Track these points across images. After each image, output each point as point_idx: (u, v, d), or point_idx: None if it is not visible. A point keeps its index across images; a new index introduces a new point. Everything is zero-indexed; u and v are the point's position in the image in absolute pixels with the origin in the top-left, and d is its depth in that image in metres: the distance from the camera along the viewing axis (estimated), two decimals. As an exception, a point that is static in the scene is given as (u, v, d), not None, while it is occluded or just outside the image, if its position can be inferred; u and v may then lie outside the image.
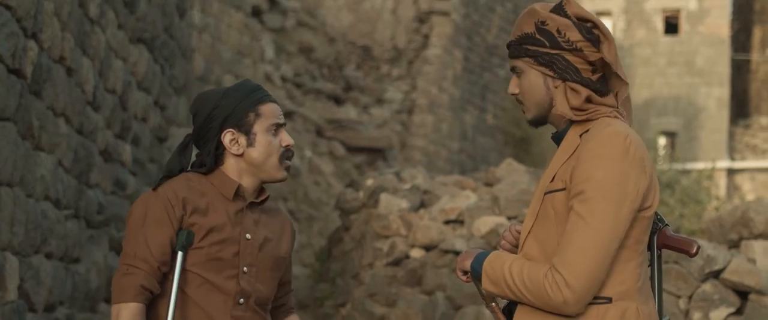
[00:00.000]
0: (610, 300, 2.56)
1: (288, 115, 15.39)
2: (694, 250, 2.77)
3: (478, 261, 2.72)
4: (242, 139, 3.07)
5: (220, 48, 12.87)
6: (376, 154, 17.08)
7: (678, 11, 33.88)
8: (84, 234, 6.72)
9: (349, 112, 17.39)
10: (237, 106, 3.06)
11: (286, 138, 3.11)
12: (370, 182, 9.21)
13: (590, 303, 2.54)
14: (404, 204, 8.47)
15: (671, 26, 34.19)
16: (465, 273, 2.81)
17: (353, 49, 19.25)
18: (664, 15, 34.15)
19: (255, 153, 3.07)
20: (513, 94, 2.77)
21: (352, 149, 16.85)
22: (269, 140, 3.08)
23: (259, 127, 3.07)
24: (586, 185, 2.51)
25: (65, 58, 5.86)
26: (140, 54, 8.19)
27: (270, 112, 3.09)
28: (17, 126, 4.98)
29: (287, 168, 3.13)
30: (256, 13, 15.41)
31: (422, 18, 19.73)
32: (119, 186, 7.78)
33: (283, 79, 16.41)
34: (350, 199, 9.36)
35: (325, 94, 17.43)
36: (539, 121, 2.76)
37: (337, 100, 17.76)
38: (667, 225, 2.80)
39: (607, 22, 34.64)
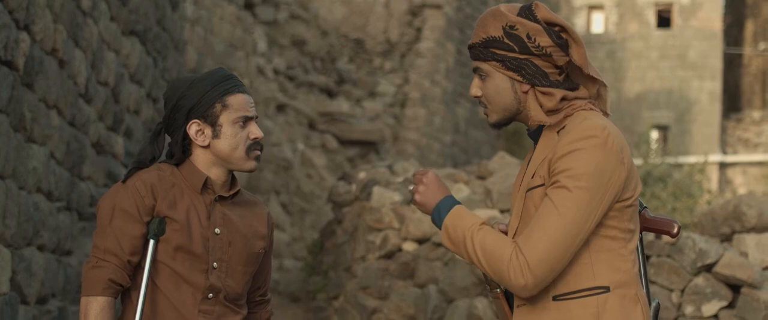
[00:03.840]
0: (607, 288, 2.56)
1: (280, 107, 15.36)
2: (675, 230, 2.78)
3: (439, 211, 2.68)
4: (208, 131, 3.01)
5: (213, 40, 12.85)
6: (368, 147, 17.08)
7: (670, 5, 33.89)
8: (76, 227, 6.71)
9: (341, 105, 17.37)
10: (203, 97, 2.99)
11: (254, 130, 3.04)
12: (362, 175, 9.21)
13: (588, 295, 2.55)
14: (397, 197, 8.47)
15: (664, 20, 34.21)
16: (421, 207, 2.75)
17: (346, 42, 19.23)
18: (657, 8, 34.16)
19: (221, 144, 3.01)
20: (475, 97, 2.73)
21: (345, 142, 16.84)
22: (236, 132, 3.01)
23: (225, 119, 3.00)
24: (562, 175, 2.52)
25: (57, 50, 5.85)
26: (133, 46, 8.17)
27: (238, 103, 3.02)
28: (9, 118, 4.97)
29: (256, 158, 3.06)
30: (249, 5, 15.38)
31: (415, 11, 19.73)
32: (111, 178, 7.76)
33: (276, 71, 16.39)
34: (343, 192, 9.36)
35: (317, 87, 17.41)
36: (503, 124, 2.73)
37: (330, 93, 17.75)
38: (645, 208, 2.82)
39: (599, 16, 34.65)
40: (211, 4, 12.72)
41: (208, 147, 3.03)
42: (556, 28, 2.63)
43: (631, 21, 34.18)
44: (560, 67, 2.65)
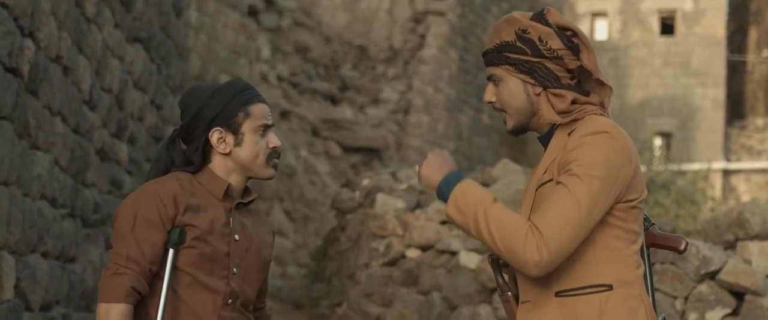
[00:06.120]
0: (610, 287, 2.59)
1: (284, 114, 15.37)
2: (683, 247, 2.82)
3: (448, 182, 2.67)
4: (230, 138, 3.07)
5: (217, 47, 12.86)
6: (372, 153, 17.08)
7: (674, 12, 33.90)
8: (80, 234, 6.71)
9: (345, 111, 17.38)
10: (226, 106, 3.06)
11: (273, 139, 3.11)
12: (366, 182, 9.21)
13: (591, 292, 2.58)
14: (400, 204, 8.47)
15: (667, 27, 34.21)
16: (428, 184, 2.74)
17: (349, 48, 19.24)
18: (660, 16, 34.17)
19: (242, 153, 3.07)
20: (489, 103, 2.77)
21: (348, 149, 16.84)
22: (256, 140, 3.08)
23: (247, 127, 3.07)
24: (573, 164, 2.56)
25: (62, 56, 5.86)
26: (137, 53, 8.18)
27: (259, 112, 3.09)
28: (14, 125, 4.98)
29: (275, 167, 3.14)
30: (253, 12, 15.40)
31: (418, 18, 19.74)
32: (115, 185, 7.77)
33: (279, 78, 16.40)
34: (346, 199, 9.36)
35: (321, 94, 17.42)
36: (520, 130, 2.77)
37: (333, 100, 17.76)
38: (653, 224, 2.86)
39: (602, 23, 34.66)
40: (214, 11, 12.74)
41: (228, 154, 3.09)
42: (568, 33, 2.69)
43: (635, 28, 34.18)
44: (571, 71, 2.70)
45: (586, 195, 2.52)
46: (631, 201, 2.62)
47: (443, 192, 2.67)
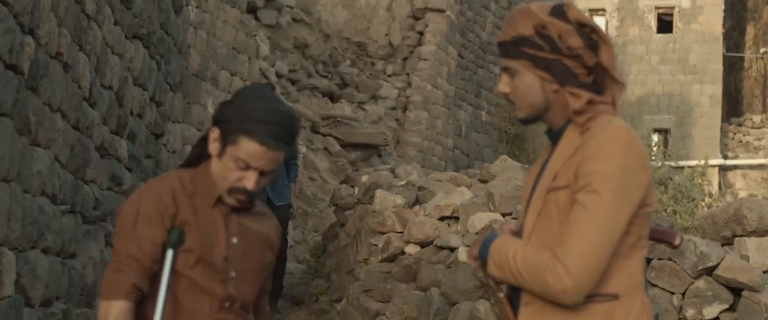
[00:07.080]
0: (616, 296, 2.57)
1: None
2: (678, 241, 2.80)
3: (485, 245, 2.70)
4: (218, 146, 3.00)
5: (216, 44, 12.86)
6: (371, 150, 17.08)
7: (671, 9, 33.89)
8: (80, 230, 6.73)
9: (343, 108, 17.38)
10: (233, 119, 2.96)
11: (249, 178, 2.97)
12: (365, 178, 9.24)
13: (597, 301, 2.56)
14: (399, 200, 8.49)
15: (665, 24, 34.21)
16: (476, 259, 2.79)
17: (348, 45, 19.24)
18: (658, 12, 34.16)
19: (217, 167, 3.01)
20: (503, 93, 2.74)
21: (347, 145, 16.84)
22: (232, 168, 2.97)
23: (231, 151, 2.95)
24: (590, 178, 2.52)
25: (62, 53, 5.87)
26: (136, 50, 8.19)
27: (248, 150, 2.93)
28: (14, 121, 4.99)
29: (237, 200, 3.01)
30: (252, 9, 15.39)
31: (417, 15, 19.74)
32: (115, 181, 7.78)
33: (278, 75, 16.40)
34: (345, 195, 9.38)
35: (320, 91, 17.42)
36: (531, 120, 2.74)
37: (332, 97, 17.76)
38: None
39: (600, 20, 34.65)
40: (214, 8, 12.74)
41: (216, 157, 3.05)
42: (587, 30, 2.65)
43: (632, 25, 34.18)
44: (589, 68, 2.66)
45: (606, 210, 2.49)
46: (648, 206, 2.61)
47: (484, 256, 2.70)
